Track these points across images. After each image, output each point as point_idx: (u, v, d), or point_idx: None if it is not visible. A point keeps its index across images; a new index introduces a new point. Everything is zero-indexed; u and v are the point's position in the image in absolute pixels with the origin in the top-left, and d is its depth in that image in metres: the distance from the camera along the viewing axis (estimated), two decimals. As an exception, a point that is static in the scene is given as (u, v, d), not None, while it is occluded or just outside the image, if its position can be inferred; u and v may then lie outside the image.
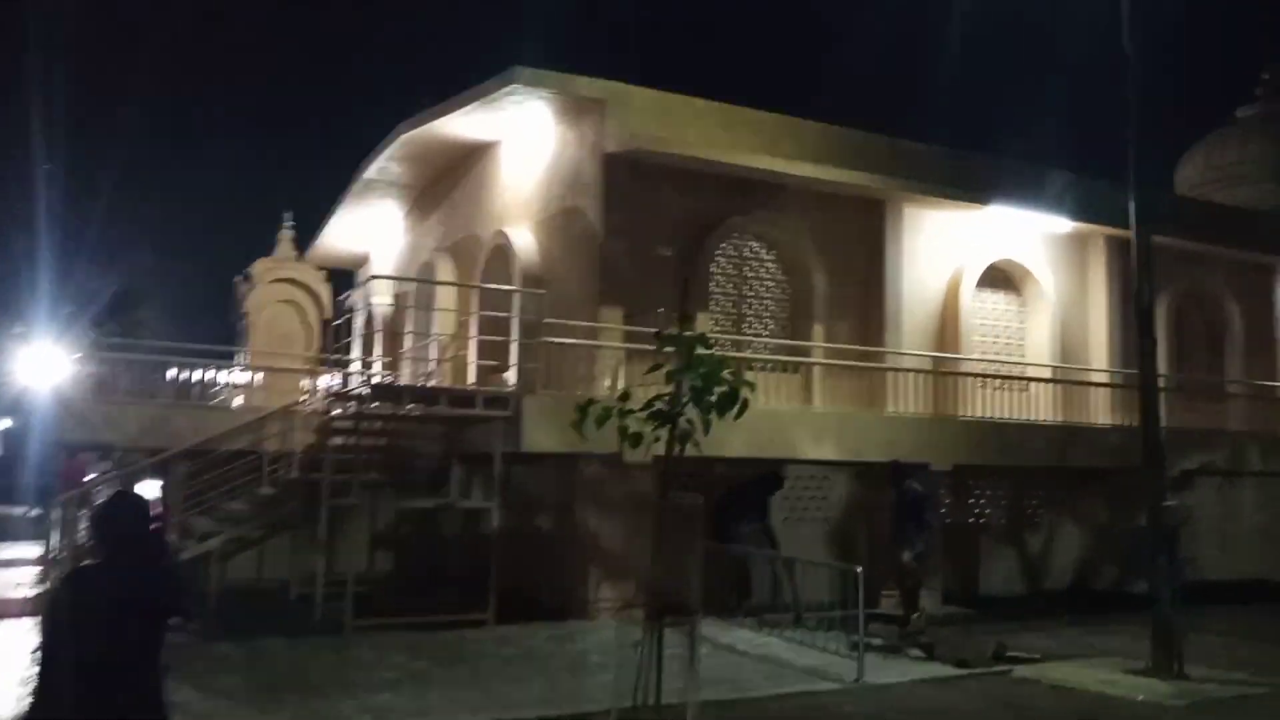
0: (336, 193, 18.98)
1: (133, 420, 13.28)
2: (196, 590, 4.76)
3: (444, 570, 13.91)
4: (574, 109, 12.87)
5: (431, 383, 12.98)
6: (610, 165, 12.20)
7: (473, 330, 13.78)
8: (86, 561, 4.29)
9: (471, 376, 13.33)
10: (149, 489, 16.77)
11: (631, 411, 6.92)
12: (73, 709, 3.48)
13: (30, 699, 3.58)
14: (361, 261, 20.90)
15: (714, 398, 6.68)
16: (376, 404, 11.51)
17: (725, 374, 6.68)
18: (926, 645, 9.52)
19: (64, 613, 3.60)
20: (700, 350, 6.71)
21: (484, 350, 13.30)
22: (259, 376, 15.40)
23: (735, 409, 6.64)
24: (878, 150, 13.92)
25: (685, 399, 6.80)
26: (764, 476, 11.72)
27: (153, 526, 4.24)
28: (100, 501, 4.50)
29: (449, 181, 17.00)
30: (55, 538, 14.22)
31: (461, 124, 14.51)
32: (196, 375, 14.46)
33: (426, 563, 13.80)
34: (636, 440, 6.75)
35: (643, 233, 12.33)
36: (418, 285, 16.06)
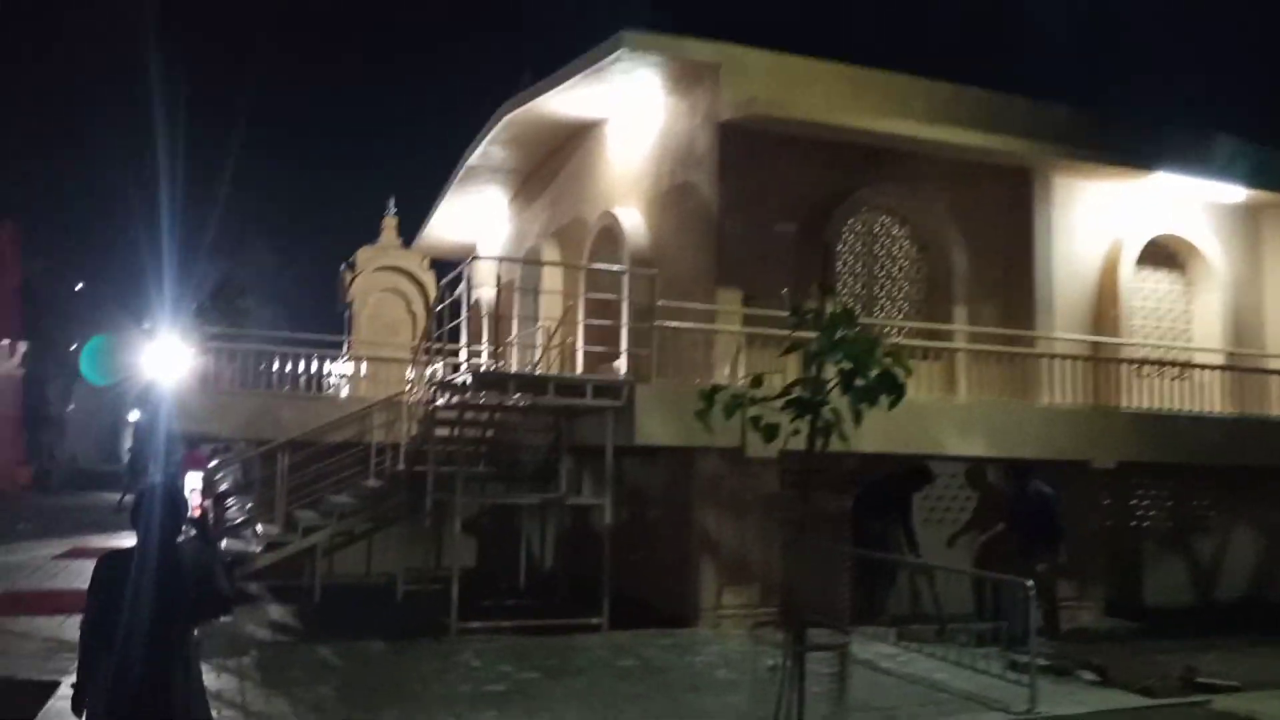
0: (441, 181, 18.63)
1: (239, 411, 13.02)
2: (229, 584, 4.35)
3: (552, 569, 13.26)
4: (685, 75, 11.97)
5: (538, 371, 12.29)
6: (726, 136, 11.25)
7: (580, 315, 13.07)
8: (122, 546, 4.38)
9: (580, 364, 12.61)
10: (190, 481, 16.68)
11: (764, 400, 5.99)
12: (103, 683, 3.91)
13: (75, 672, 4.09)
14: (467, 251, 20.51)
15: (866, 383, 5.70)
16: (482, 393, 10.90)
17: (880, 356, 5.69)
18: (1099, 667, 8.31)
19: (95, 592, 4.01)
20: (847, 329, 5.74)
21: (592, 336, 12.54)
22: (364, 366, 15.02)
23: (892, 397, 5.65)
24: (1021, 114, 12.59)
25: (830, 385, 5.85)
26: (911, 470, 10.62)
27: (191, 515, 4.67)
28: (137, 492, 4.44)
29: (553, 164, 16.34)
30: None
31: (566, 100, 13.78)
32: (302, 365, 14.14)
33: (535, 561, 13.16)
34: (771, 433, 5.81)
35: (762, 208, 11.35)
36: (523, 271, 15.44)
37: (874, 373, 5.67)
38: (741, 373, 10.42)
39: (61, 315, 48.86)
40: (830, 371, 5.87)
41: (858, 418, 5.77)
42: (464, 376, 9.30)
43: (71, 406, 51.33)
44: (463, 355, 13.99)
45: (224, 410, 12.85)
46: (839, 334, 5.77)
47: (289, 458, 12.36)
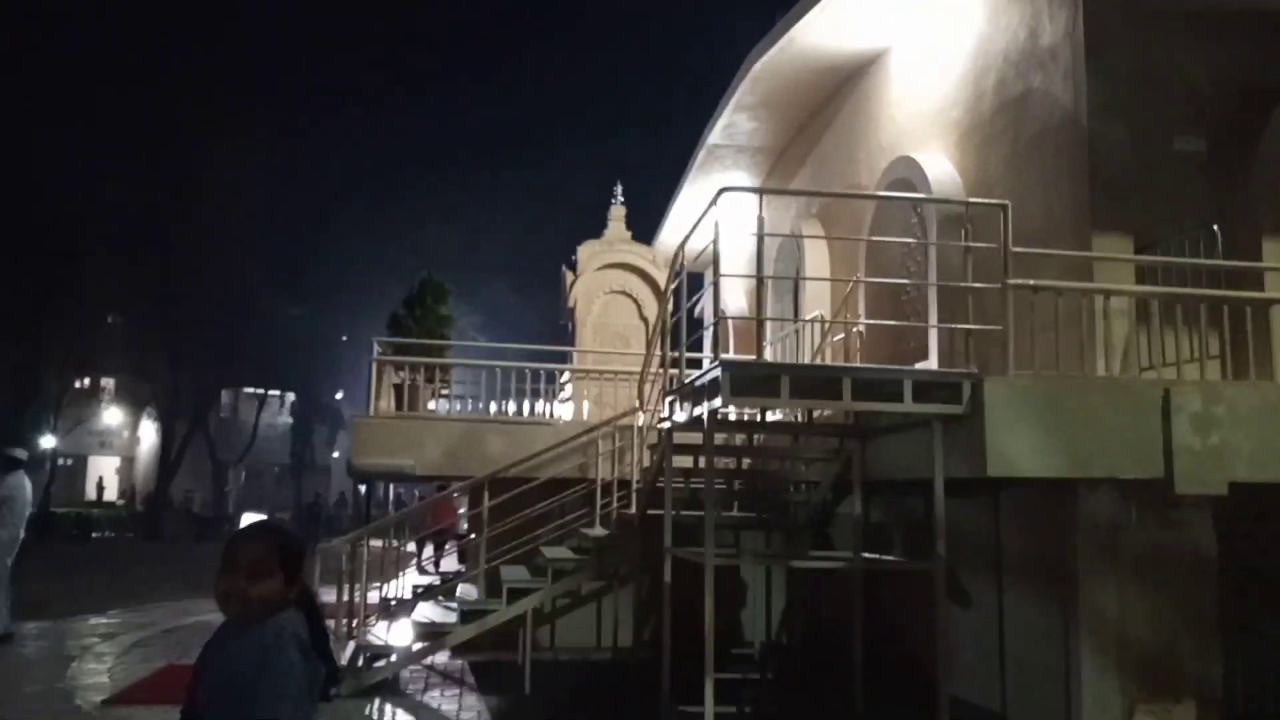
0: (676, 172, 15.78)
1: (433, 441, 10.50)
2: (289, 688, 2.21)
3: (781, 635, 9.74)
4: (1016, -54, 8.32)
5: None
6: (1092, 10, 7.48)
7: (860, 303, 9.60)
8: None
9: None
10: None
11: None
12: None
13: None
14: (707, 259, 17.50)
15: None
16: (732, 406, 7.72)
17: None
18: None
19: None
20: None
21: (876, 339, 9.07)
22: (589, 385, 12.21)
23: None
24: None
25: None
26: None
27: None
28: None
29: (814, 129, 13.04)
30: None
31: (832, 28, 10.51)
32: (514, 384, 11.53)
33: (823, 638, 9.69)
34: None
35: (1151, 116, 7.47)
36: (779, 260, 12.16)
37: None
38: (1145, 359, 6.57)
39: (324, 361, 51.02)
40: None
41: None
42: (712, 373, 6.09)
43: (335, 454, 53.32)
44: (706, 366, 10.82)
45: (413, 439, 10.37)
46: None
47: (491, 498, 9.64)
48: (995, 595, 7.60)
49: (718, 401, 5.92)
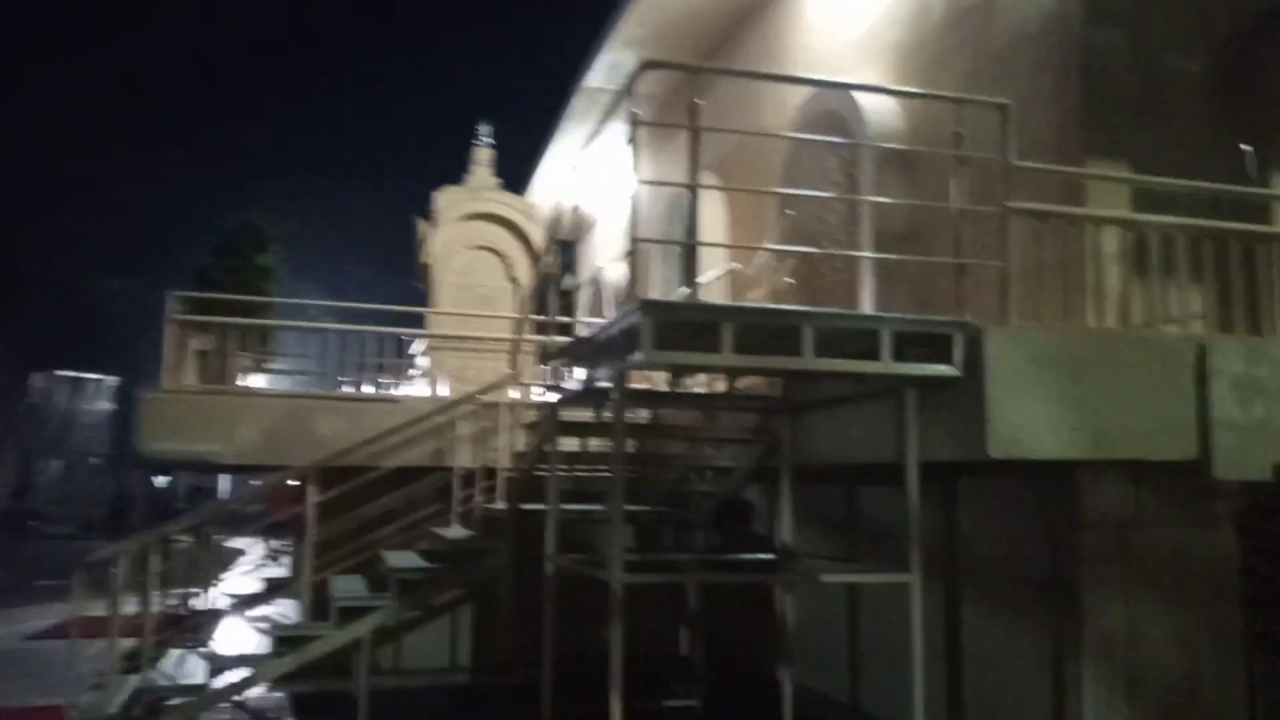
0: (544, 123, 13.90)
1: (247, 423, 8.35)
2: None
3: (690, 652, 8.18)
4: None
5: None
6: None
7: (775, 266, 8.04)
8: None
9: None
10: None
11: None
12: None
13: None
14: (580, 221, 15.72)
15: None
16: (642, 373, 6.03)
17: None
18: None
19: None
20: None
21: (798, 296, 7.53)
22: (444, 356, 10.25)
23: None
24: None
25: None
26: None
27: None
28: None
29: (708, 76, 11.43)
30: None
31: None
32: (355, 355, 9.48)
33: (726, 653, 8.11)
34: None
35: (1156, 27, 6.15)
36: (667, 222, 10.52)
37: None
38: (1139, 307, 5.23)
39: (149, 343, 46.53)
40: None
41: None
42: (627, 319, 4.32)
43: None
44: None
45: (220, 422, 8.19)
46: None
47: (321, 493, 7.60)
48: (943, 609, 6.15)
49: (638, 357, 4.17)
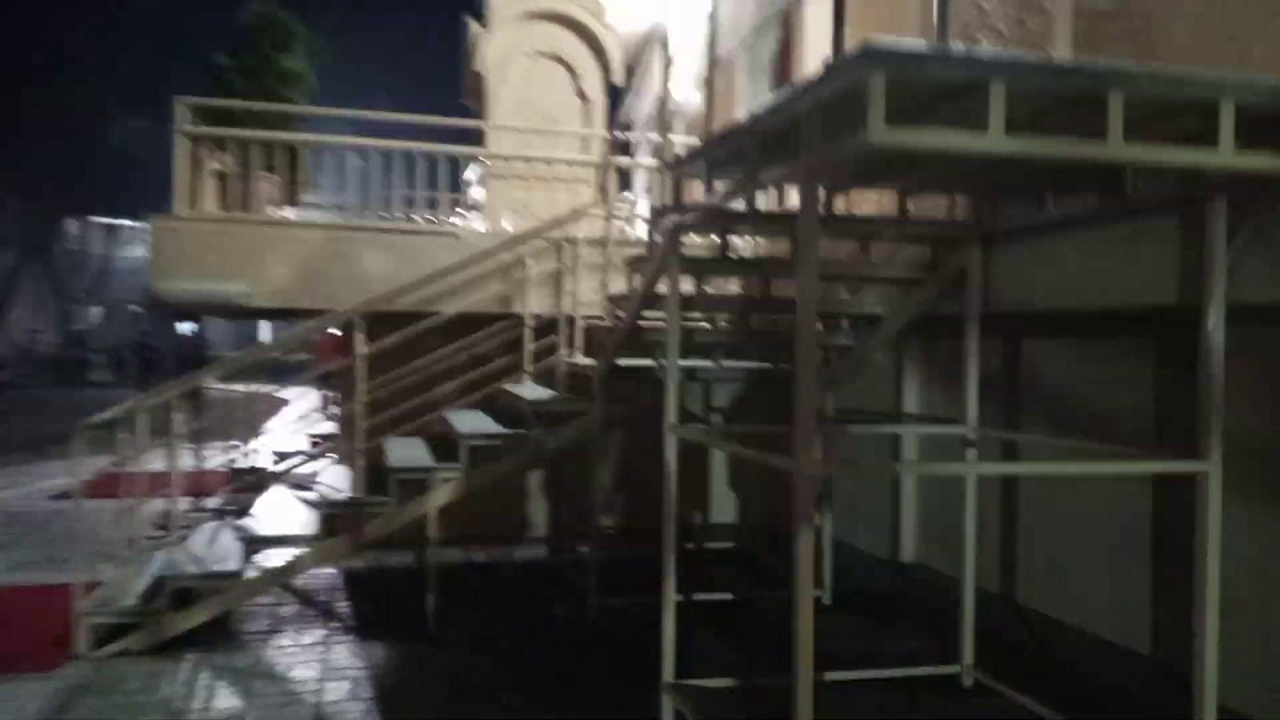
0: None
1: (279, 257, 6.98)
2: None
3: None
4: None
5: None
6: None
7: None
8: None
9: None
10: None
11: None
12: None
13: None
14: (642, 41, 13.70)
15: None
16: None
17: None
18: None
19: None
20: None
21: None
22: (506, 186, 8.73)
23: None
24: None
25: None
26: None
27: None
28: None
29: None
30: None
31: None
32: (398, 178, 8.00)
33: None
34: None
35: None
36: (757, 36, 8.69)
37: None
38: None
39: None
40: None
41: None
42: (838, 78, 2.77)
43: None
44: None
45: (243, 257, 6.81)
46: None
47: (369, 342, 6.29)
48: (1149, 504, 4.76)
49: (861, 139, 2.64)
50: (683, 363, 5.12)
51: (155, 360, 32.08)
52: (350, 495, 6.28)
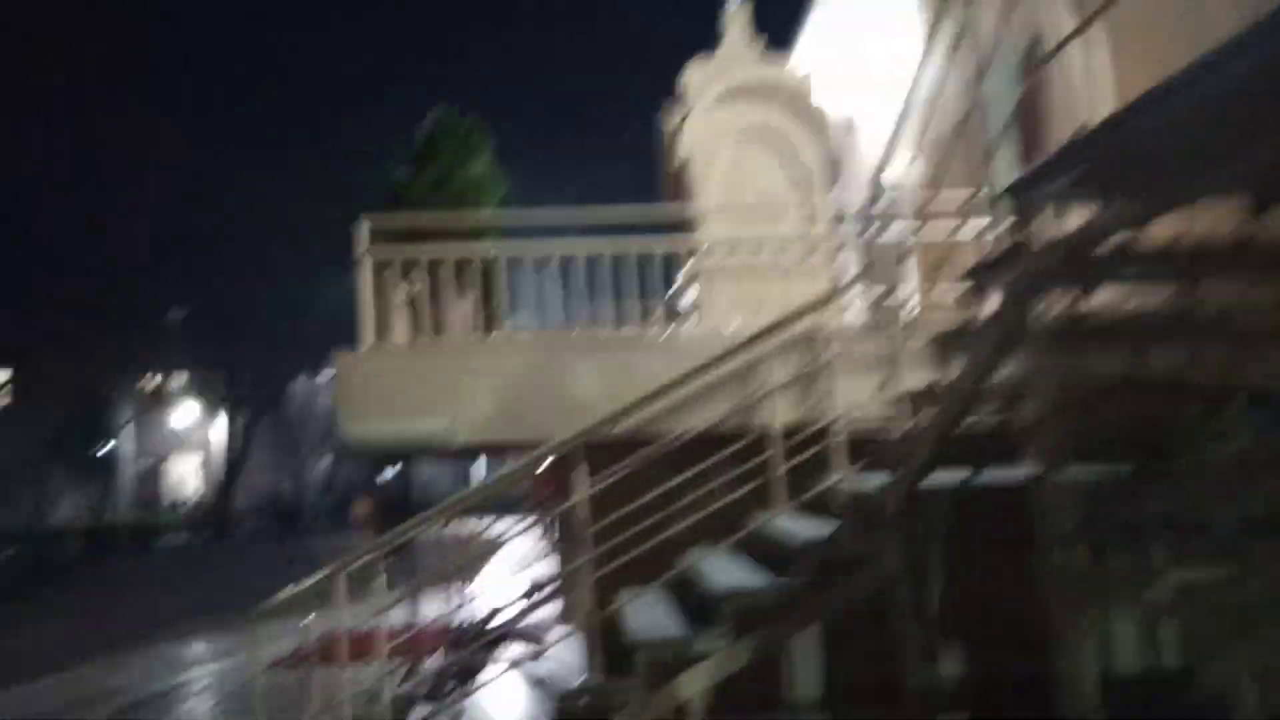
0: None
1: (478, 383, 5.98)
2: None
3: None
4: None
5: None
6: None
7: None
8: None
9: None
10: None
11: None
12: None
13: None
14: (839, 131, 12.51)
15: None
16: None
17: None
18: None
19: None
20: None
21: None
22: (722, 277, 7.52)
23: None
24: None
25: None
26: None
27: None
28: None
29: None
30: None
31: None
32: (595, 283, 6.94)
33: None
34: None
35: None
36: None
37: None
38: None
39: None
40: None
41: None
42: None
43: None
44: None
45: (443, 386, 5.85)
46: None
47: (592, 475, 5.10)
48: None
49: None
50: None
51: (293, 512, 33.02)
52: (586, 680, 4.99)
